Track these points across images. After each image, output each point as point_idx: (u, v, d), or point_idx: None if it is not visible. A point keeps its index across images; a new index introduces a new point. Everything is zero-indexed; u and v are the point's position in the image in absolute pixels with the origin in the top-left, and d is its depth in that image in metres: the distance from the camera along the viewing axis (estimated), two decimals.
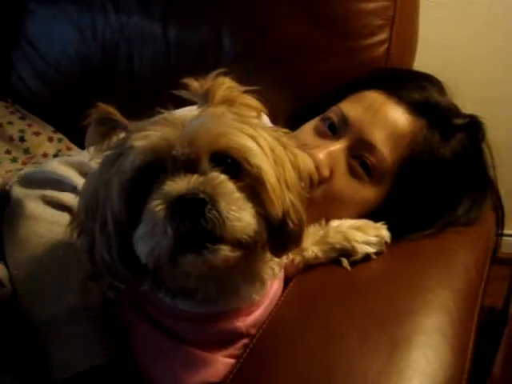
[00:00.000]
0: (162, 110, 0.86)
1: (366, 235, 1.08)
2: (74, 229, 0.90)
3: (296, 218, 0.85)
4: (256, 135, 0.83)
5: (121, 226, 0.81)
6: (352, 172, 1.19)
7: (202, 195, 0.75)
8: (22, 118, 1.78)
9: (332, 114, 1.24)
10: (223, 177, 0.78)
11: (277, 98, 1.35)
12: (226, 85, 0.87)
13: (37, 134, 1.75)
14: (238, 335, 0.95)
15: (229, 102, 0.87)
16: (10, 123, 1.74)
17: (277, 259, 0.94)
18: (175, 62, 1.58)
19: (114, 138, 0.87)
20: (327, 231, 1.09)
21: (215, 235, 0.75)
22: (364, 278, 1.06)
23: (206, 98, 0.87)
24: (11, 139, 1.71)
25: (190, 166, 0.79)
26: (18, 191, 1.10)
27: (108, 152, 0.86)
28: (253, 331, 0.96)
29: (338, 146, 1.19)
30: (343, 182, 1.19)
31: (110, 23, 1.69)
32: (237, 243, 0.78)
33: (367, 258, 1.08)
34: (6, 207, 1.09)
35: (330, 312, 0.97)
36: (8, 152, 1.67)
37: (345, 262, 1.07)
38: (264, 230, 0.82)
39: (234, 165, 0.80)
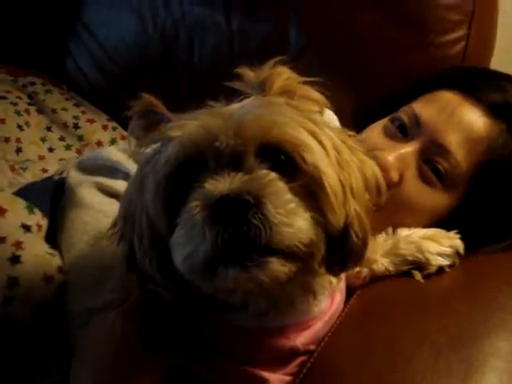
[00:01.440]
0: (213, 103, 0.77)
1: (440, 246, 1.01)
2: (114, 234, 0.83)
3: (360, 230, 0.76)
4: (317, 132, 0.74)
5: (157, 232, 0.74)
6: (423, 177, 1.12)
7: (247, 197, 0.66)
8: (77, 104, 1.76)
9: (403, 114, 1.17)
10: (273, 175, 0.70)
11: (342, 96, 1.29)
12: (284, 75, 0.79)
13: (91, 121, 1.73)
14: (294, 353, 0.87)
15: (288, 93, 0.78)
16: (64, 109, 1.72)
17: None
18: (237, 52, 1.52)
19: (157, 133, 0.79)
20: (397, 242, 1.01)
21: (260, 244, 0.66)
22: (436, 292, 0.99)
23: (261, 89, 0.78)
24: (65, 126, 1.69)
25: (234, 161, 0.70)
26: (72, 178, 1.08)
27: (148, 149, 0.79)
28: (311, 348, 0.88)
29: (408, 149, 1.12)
30: (413, 188, 1.12)
31: (171, 11, 1.64)
32: (289, 254, 0.68)
33: (440, 270, 1.01)
34: (63, 195, 1.08)
35: (399, 328, 0.90)
36: (62, 139, 1.66)
37: (418, 275, 1.00)
38: (322, 241, 0.72)
39: (287, 162, 0.71)
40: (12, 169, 1.30)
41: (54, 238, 1.03)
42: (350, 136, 0.82)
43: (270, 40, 1.45)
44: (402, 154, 1.12)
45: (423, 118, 1.13)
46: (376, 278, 1.02)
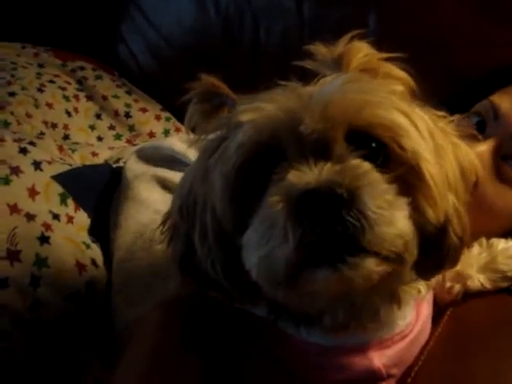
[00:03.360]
0: (283, 82, 0.67)
1: None
2: (164, 232, 0.74)
3: (459, 228, 0.67)
4: (411, 113, 0.65)
5: (224, 232, 0.65)
6: (502, 176, 1.02)
7: (339, 190, 0.57)
8: (129, 92, 1.69)
9: (481, 107, 1.07)
10: (368, 165, 0.60)
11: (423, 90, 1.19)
12: (363, 50, 0.70)
13: (143, 110, 1.65)
14: (374, 376, 0.75)
15: (369, 71, 0.69)
16: (115, 97, 1.64)
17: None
18: (308, 40, 1.39)
19: (221, 118, 0.70)
20: (495, 256, 0.92)
21: (358, 244, 0.57)
22: None
23: (337, 67, 0.69)
24: (116, 114, 1.62)
25: (320, 149, 0.61)
26: (130, 169, 1.03)
27: (210, 136, 0.70)
28: (394, 372, 0.77)
29: (484, 147, 1.02)
30: (491, 189, 1.02)
31: None
32: (383, 255, 0.59)
33: None
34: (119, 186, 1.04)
35: (504, 354, 0.80)
36: (112, 128, 1.59)
37: None
38: (416, 241, 0.63)
39: (379, 149, 0.63)
40: (60, 149, 1.24)
41: (102, 231, 0.99)
42: (441, 117, 0.72)
43: (346, 28, 1.32)
44: (478, 152, 1.00)
45: (502, 108, 1.03)
46: (469, 295, 0.92)
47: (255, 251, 0.60)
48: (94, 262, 0.95)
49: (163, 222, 0.74)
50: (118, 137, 1.58)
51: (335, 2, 1.38)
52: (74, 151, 1.33)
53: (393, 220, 0.58)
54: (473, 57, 1.25)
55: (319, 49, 0.71)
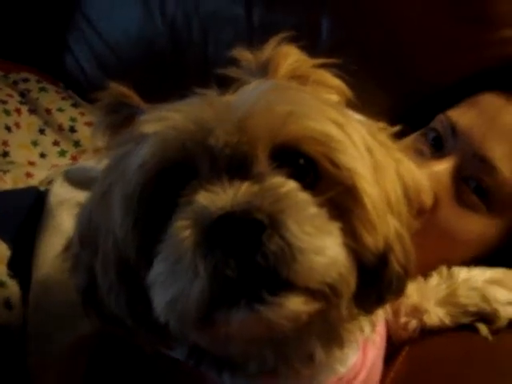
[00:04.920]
0: (199, 90, 0.60)
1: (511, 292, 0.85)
2: (66, 260, 0.66)
3: (402, 255, 0.60)
4: (345, 124, 0.58)
5: (128, 264, 0.57)
6: (462, 199, 0.93)
7: (258, 215, 0.49)
8: (75, 105, 1.60)
9: (437, 123, 0.99)
10: (292, 184, 0.53)
11: (378, 99, 1.15)
12: (293, 56, 0.65)
13: (89, 124, 1.56)
14: None
15: (298, 78, 0.64)
16: (60, 110, 1.55)
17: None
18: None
19: (127, 132, 0.62)
20: (455, 287, 0.86)
21: (281, 278, 0.50)
22: (510, 352, 0.82)
23: (263, 74, 0.63)
24: (60, 129, 1.53)
25: (237, 166, 0.54)
26: (55, 193, 0.95)
27: (113, 152, 0.62)
28: None
29: (443, 166, 0.94)
30: (450, 213, 0.93)
31: (182, 1, 1.48)
32: (313, 290, 0.52)
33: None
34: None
35: None
36: (56, 143, 1.50)
37: (484, 329, 0.83)
38: (353, 271, 0.56)
39: (308, 166, 0.56)
40: None
41: (24, 264, 0.91)
42: (380, 129, 0.66)
43: (298, 35, 1.27)
44: (436, 172, 0.93)
45: (460, 126, 0.95)
46: (427, 331, 0.87)
47: (163, 291, 0.52)
48: (7, 303, 0.86)
49: (65, 249, 0.67)
50: (62, 153, 1.49)
51: (286, 8, 1.31)
52: (5, 172, 1.24)
53: (322, 247, 0.51)
54: (435, 63, 1.17)
55: (244, 54, 0.65)
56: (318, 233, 0.51)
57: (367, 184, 0.56)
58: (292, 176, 0.54)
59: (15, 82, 1.59)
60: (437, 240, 0.91)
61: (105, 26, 1.64)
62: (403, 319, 0.85)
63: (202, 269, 0.49)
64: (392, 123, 0.72)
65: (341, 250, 0.53)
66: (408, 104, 1.17)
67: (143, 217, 0.55)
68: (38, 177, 1.26)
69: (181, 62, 1.50)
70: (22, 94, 1.56)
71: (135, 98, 0.66)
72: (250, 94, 0.57)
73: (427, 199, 0.91)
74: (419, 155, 0.96)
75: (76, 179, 0.95)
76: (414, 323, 0.86)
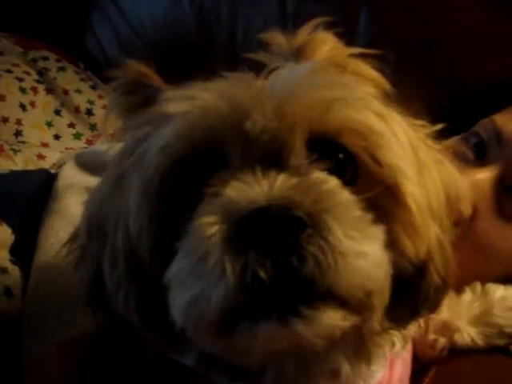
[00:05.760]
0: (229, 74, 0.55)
1: None
2: (71, 251, 0.61)
3: (443, 266, 0.55)
4: (388, 117, 0.53)
5: (139, 259, 0.51)
6: (503, 212, 0.88)
7: (297, 212, 0.44)
8: (93, 87, 1.58)
9: (481, 128, 0.93)
10: (335, 181, 0.49)
11: (416, 99, 1.08)
12: (329, 43, 0.60)
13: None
14: None
15: (336, 67, 0.58)
16: (78, 91, 1.53)
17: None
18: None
19: (146, 113, 0.57)
20: (490, 306, 0.82)
21: (318, 288, 0.44)
22: None
23: (297, 60, 0.58)
24: (77, 111, 1.50)
25: (272, 155, 0.49)
26: (64, 176, 0.92)
27: (130, 135, 0.57)
28: None
29: (485, 175, 0.89)
30: (489, 226, 0.88)
31: None
32: (351, 302, 0.47)
33: None
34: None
35: None
36: (71, 126, 1.49)
37: None
38: (388, 281, 0.51)
39: (347, 161, 0.51)
40: (0, 149, 1.15)
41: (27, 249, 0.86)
42: (420, 126, 0.61)
43: (334, 28, 1.23)
44: (477, 180, 0.88)
45: (506, 132, 0.90)
46: (457, 351, 0.82)
47: (182, 291, 0.47)
48: (7, 290, 0.82)
49: (72, 239, 0.61)
50: (77, 136, 1.46)
51: None
52: (16, 152, 1.22)
53: (368, 255, 0.46)
54: (479, 63, 1.12)
55: (276, 38, 0.59)
56: (362, 238, 0.46)
57: (411, 184, 0.51)
58: (331, 171, 0.49)
59: (34, 60, 1.57)
60: (472, 254, 0.86)
61: (129, 6, 1.62)
62: (432, 336, 0.80)
63: (229, 268, 0.43)
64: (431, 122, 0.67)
65: (384, 257, 0.48)
66: (448, 105, 1.12)
67: (162, 208, 0.50)
68: (51, 159, 1.25)
69: (208, 47, 1.46)
70: (40, 73, 1.54)
71: (156, 79, 0.61)
72: (289, 76, 0.52)
73: (466, 209, 0.86)
74: (461, 160, 0.90)
75: (87, 163, 0.92)
76: (442, 341, 0.81)
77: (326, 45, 0.60)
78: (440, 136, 0.65)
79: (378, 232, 0.48)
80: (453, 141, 0.93)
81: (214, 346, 0.51)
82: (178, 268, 0.47)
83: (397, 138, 0.53)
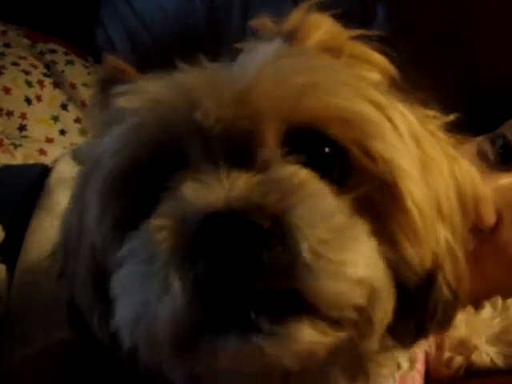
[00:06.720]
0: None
1: None
2: (53, 265, 0.56)
3: (454, 276, 0.49)
4: (385, 104, 0.47)
5: (106, 276, 0.46)
6: None
7: (256, 216, 0.38)
8: None
9: (508, 129, 0.88)
10: (306, 173, 0.42)
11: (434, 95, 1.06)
12: (325, 26, 0.53)
13: None
14: None
15: (330, 51, 0.52)
16: (85, 85, 1.52)
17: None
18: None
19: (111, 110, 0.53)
20: (511, 323, 0.76)
21: (286, 298, 0.39)
22: None
23: (289, 43, 0.52)
24: (84, 105, 1.49)
25: (238, 152, 0.43)
26: (57, 171, 0.88)
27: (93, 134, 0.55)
28: None
29: (510, 181, 0.84)
30: None
31: None
32: (338, 317, 0.40)
33: None
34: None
35: None
36: (78, 121, 1.49)
37: None
38: (391, 294, 0.44)
39: (333, 156, 0.45)
40: None
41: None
42: (431, 117, 0.54)
43: (350, 17, 1.19)
44: (502, 186, 0.84)
45: None
46: (474, 371, 0.76)
47: (126, 301, 0.41)
48: None
49: (52, 254, 0.56)
50: (83, 132, 1.46)
51: None
52: (17, 147, 1.22)
53: (348, 262, 0.39)
54: (507, 58, 1.08)
55: (263, 23, 0.53)
56: (340, 239, 0.40)
57: (411, 182, 0.45)
58: (313, 167, 0.43)
59: (41, 53, 1.57)
60: (494, 265, 0.82)
61: (140, 1, 1.61)
62: (447, 354, 0.75)
63: (175, 282, 0.38)
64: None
65: (375, 261, 0.42)
66: (471, 104, 1.05)
67: (119, 213, 0.45)
68: (53, 155, 1.22)
69: (218, 41, 1.42)
70: (48, 66, 1.54)
71: (133, 73, 0.55)
72: (256, 58, 0.46)
73: (489, 216, 0.81)
74: (483, 160, 0.86)
75: (82, 157, 0.86)
76: (459, 360, 0.75)
77: (321, 28, 0.53)
78: (456, 129, 0.59)
79: (361, 228, 0.42)
80: (477, 141, 0.90)
81: (171, 369, 0.45)
82: (123, 274, 0.42)
83: (395, 128, 0.47)
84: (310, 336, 0.39)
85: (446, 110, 0.64)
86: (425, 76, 0.57)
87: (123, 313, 0.41)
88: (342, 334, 0.41)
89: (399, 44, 0.62)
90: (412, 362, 0.59)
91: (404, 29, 1.12)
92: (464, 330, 0.76)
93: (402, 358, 0.57)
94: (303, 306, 0.39)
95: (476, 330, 0.75)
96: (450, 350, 0.75)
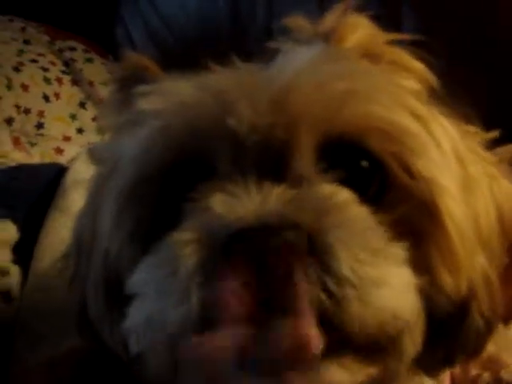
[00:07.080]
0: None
1: None
2: (63, 270, 0.54)
3: (488, 304, 0.45)
4: (427, 117, 0.44)
5: (118, 281, 0.44)
6: None
7: (291, 234, 0.35)
8: None
9: None
10: (346, 194, 0.40)
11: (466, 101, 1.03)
12: (363, 28, 0.51)
13: None
14: None
15: (369, 55, 0.49)
16: (103, 84, 1.50)
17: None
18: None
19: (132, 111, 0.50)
20: None
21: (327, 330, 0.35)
22: None
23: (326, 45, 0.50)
24: (102, 103, 1.46)
25: (271, 162, 0.40)
26: (74, 170, 0.86)
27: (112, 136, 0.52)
28: None
29: None
30: None
31: None
32: (368, 345, 0.37)
33: None
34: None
35: None
36: (95, 119, 1.47)
37: None
38: (421, 321, 0.41)
39: (371, 172, 0.42)
40: (15, 142, 1.11)
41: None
42: (472, 134, 0.51)
43: (376, 19, 1.17)
44: None
45: None
46: None
47: (141, 304, 0.39)
48: (6, 294, 0.74)
49: (66, 256, 0.54)
50: (101, 131, 1.36)
51: None
52: (33, 145, 1.20)
53: (386, 286, 0.37)
54: None
55: (298, 23, 0.50)
56: (378, 266, 0.37)
57: (452, 202, 0.42)
58: (350, 183, 0.41)
59: (60, 50, 1.55)
60: None
61: None
62: (474, 371, 0.71)
63: (194, 298, 0.35)
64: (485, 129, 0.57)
65: (412, 292, 0.39)
66: (503, 110, 1.04)
67: (137, 222, 0.43)
68: (69, 154, 1.21)
69: (242, 40, 1.39)
70: (66, 64, 1.52)
71: (156, 71, 0.53)
72: (294, 61, 0.43)
73: None
74: None
75: (99, 157, 0.84)
76: (486, 377, 0.71)
77: (359, 30, 0.50)
78: (495, 146, 0.56)
79: (402, 257, 0.40)
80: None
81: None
82: (138, 277, 0.40)
83: (438, 144, 0.44)
84: (340, 375, 0.37)
85: (486, 126, 0.62)
86: (460, 85, 0.54)
87: (135, 316, 0.39)
88: (371, 371, 0.39)
89: (435, 49, 0.59)
90: (437, 381, 0.56)
91: (433, 35, 1.12)
92: (493, 347, 0.73)
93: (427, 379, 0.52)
94: (334, 339, 0.36)
95: (505, 347, 0.71)
96: (477, 367, 0.71)
